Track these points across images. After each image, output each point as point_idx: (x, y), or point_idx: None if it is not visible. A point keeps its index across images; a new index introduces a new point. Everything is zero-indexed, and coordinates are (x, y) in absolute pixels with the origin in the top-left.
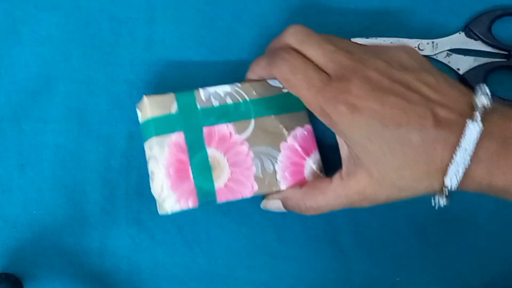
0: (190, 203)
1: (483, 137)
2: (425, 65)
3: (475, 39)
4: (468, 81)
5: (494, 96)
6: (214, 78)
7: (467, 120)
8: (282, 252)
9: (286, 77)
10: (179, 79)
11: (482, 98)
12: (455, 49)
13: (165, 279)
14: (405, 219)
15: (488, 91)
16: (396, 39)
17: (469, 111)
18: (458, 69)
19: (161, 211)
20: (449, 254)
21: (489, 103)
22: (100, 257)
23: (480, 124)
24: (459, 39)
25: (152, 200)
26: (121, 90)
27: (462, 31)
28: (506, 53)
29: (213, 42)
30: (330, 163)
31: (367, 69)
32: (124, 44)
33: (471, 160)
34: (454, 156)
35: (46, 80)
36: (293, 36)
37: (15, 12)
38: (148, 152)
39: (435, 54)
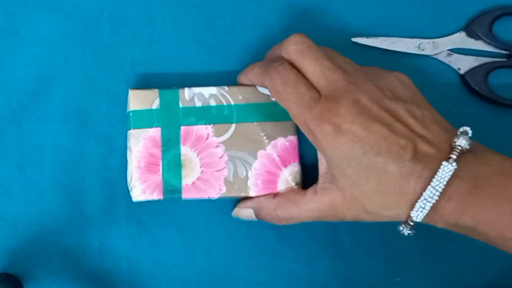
0: (155, 195)
1: (455, 176)
2: (416, 97)
3: (476, 39)
4: (468, 81)
5: (494, 94)
6: (214, 78)
7: (442, 160)
8: (282, 252)
9: (277, 89)
10: (179, 79)
11: (462, 140)
12: (456, 48)
13: (165, 279)
14: None
15: (469, 132)
16: (397, 38)
17: (448, 149)
18: (459, 69)
19: (133, 199)
20: (449, 254)
21: (467, 146)
22: (100, 257)
23: (454, 165)
24: (460, 39)
25: (152, 200)
26: (121, 90)
27: (463, 30)
28: (507, 52)
29: (213, 42)
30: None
31: (359, 93)
32: (124, 44)
33: (440, 197)
34: (423, 191)
35: (46, 80)
36: (294, 46)
37: (15, 12)
38: (127, 142)
39: (435, 54)
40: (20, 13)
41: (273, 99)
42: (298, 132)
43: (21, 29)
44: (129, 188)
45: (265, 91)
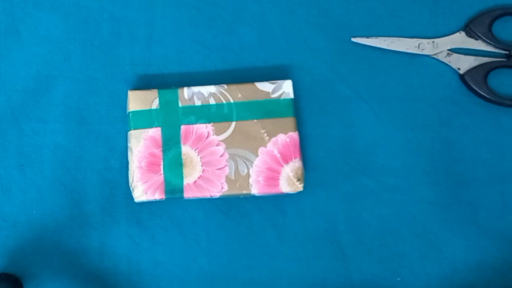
0: (157, 195)
1: None
2: None
3: (476, 39)
4: (468, 81)
5: (494, 94)
6: (214, 78)
7: None
8: (282, 252)
9: None
10: (179, 79)
11: None
12: (456, 48)
13: (165, 279)
14: (405, 219)
15: None
16: (397, 38)
17: None
18: (459, 69)
19: (135, 199)
20: (449, 254)
21: None
22: (100, 257)
23: None
24: (460, 39)
25: (152, 200)
26: (121, 90)
27: (463, 30)
28: (507, 52)
29: (213, 42)
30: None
31: None
32: (124, 44)
33: None
34: None
35: (46, 80)
36: None
37: (15, 12)
38: (128, 143)
39: (435, 54)
40: (20, 13)
41: (274, 95)
42: (298, 128)
43: (21, 29)
44: (131, 188)
45: (264, 88)
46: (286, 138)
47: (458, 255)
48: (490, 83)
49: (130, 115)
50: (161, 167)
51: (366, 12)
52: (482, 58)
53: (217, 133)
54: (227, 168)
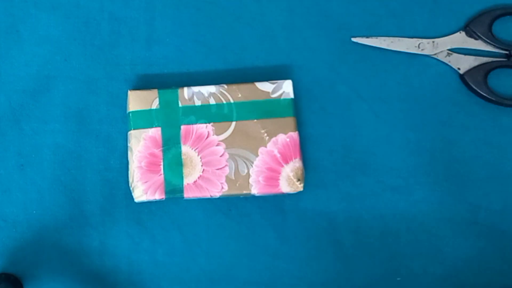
0: (157, 195)
1: None
2: None
3: (476, 39)
4: (468, 81)
5: (494, 94)
6: (213, 78)
7: None
8: (282, 252)
9: None
10: (179, 79)
11: None
12: (456, 48)
13: (165, 279)
14: (405, 219)
15: None
16: (397, 38)
17: None
18: (459, 69)
19: (135, 199)
20: (449, 254)
21: None
22: (100, 257)
23: None
24: (460, 39)
25: (152, 200)
26: (121, 90)
27: (463, 30)
28: (507, 52)
29: (213, 42)
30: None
31: None
32: (124, 44)
33: None
34: None
35: (46, 80)
36: None
37: (15, 12)
38: (128, 143)
39: (435, 54)
40: (20, 13)
41: (274, 95)
42: (298, 128)
43: (21, 29)
44: (131, 189)
45: (264, 88)
46: (286, 138)
47: (458, 255)
48: (490, 83)
49: (130, 115)
50: (161, 167)
51: (366, 12)
52: (482, 58)
53: (217, 133)
54: (227, 168)
